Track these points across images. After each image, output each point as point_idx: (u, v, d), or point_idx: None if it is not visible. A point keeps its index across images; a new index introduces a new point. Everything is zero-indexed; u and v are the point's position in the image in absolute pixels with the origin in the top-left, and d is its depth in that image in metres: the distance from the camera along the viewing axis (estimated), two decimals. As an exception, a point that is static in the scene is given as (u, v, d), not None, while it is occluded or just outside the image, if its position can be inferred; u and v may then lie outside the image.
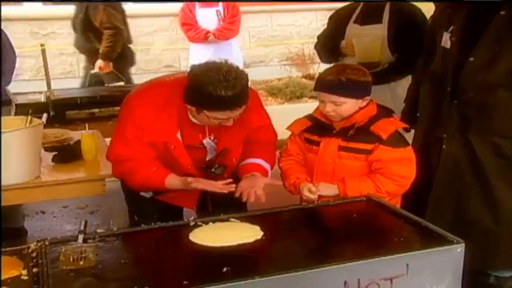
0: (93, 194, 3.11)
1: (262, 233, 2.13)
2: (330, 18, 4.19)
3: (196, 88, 2.43)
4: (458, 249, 1.97)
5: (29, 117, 2.96)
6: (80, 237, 2.09)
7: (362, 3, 3.99)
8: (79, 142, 3.28)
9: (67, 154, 3.21)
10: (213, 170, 2.69)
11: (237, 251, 2.02)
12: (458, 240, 1.99)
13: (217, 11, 6.88)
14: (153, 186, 2.67)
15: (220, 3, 6.86)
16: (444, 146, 2.93)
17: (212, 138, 2.70)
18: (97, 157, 3.22)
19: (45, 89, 6.64)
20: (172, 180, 2.61)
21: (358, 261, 1.85)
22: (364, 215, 2.35)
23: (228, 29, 6.88)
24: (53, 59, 8.63)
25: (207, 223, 2.26)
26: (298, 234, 2.22)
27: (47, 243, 2.06)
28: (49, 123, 4.24)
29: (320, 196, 2.63)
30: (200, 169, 2.72)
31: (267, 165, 2.78)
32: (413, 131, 3.35)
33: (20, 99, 4.60)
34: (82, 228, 2.17)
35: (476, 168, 2.80)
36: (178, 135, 2.60)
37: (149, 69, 8.91)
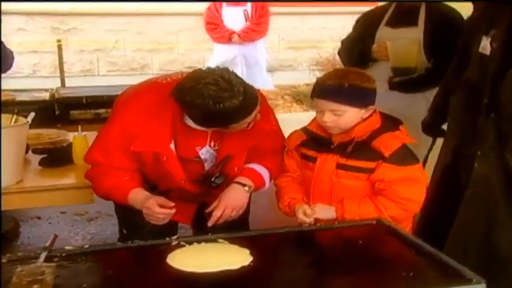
0: (79, 203, 2.91)
1: (251, 259, 1.90)
2: (357, 21, 3.95)
3: (208, 114, 2.23)
4: (479, 289, 1.71)
5: (14, 116, 2.80)
6: (43, 255, 1.89)
7: (394, 5, 3.75)
8: (71, 145, 3.09)
9: (55, 158, 3.03)
10: (213, 179, 2.48)
11: (219, 279, 1.79)
12: (478, 279, 1.73)
13: (244, 10, 6.67)
14: (116, 198, 2.47)
15: (249, 3, 6.65)
16: (476, 165, 2.66)
17: (213, 145, 2.48)
18: (89, 163, 3.02)
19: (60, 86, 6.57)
20: (136, 196, 2.39)
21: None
22: (371, 242, 2.10)
23: (254, 30, 6.67)
24: (73, 56, 8.57)
25: (190, 243, 2.04)
26: (292, 261, 1.98)
27: (4, 260, 1.86)
28: (52, 123, 4.11)
29: (316, 219, 2.38)
30: (196, 182, 2.51)
31: (264, 171, 2.54)
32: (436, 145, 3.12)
33: (24, 97, 4.47)
34: (49, 243, 1.97)
35: (511, 192, 2.53)
36: (172, 146, 2.39)
37: (171, 69, 8.76)
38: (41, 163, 2.99)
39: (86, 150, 2.94)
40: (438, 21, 3.55)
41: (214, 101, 2.17)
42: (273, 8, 7.20)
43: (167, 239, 2.07)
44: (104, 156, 2.42)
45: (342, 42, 3.98)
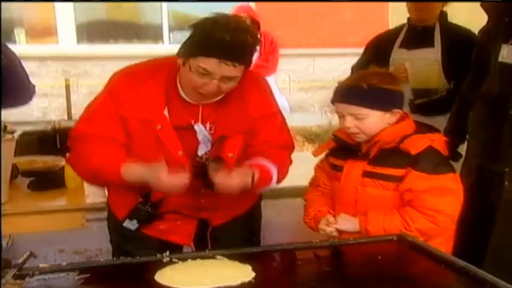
0: (70, 227, 2.62)
1: (253, 275, 1.61)
2: (368, 45, 3.76)
3: (193, 32, 2.01)
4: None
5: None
6: (10, 273, 1.61)
7: (406, 27, 3.59)
8: (64, 168, 2.83)
9: (45, 180, 2.77)
10: (207, 162, 2.16)
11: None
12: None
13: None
14: (106, 173, 2.10)
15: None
16: (506, 183, 2.44)
17: (208, 126, 2.18)
18: (82, 185, 2.74)
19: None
20: (133, 168, 2.04)
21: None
22: (392, 258, 1.80)
23: (262, 66, 6.41)
24: (84, 99, 8.36)
25: (185, 260, 1.75)
26: (300, 280, 1.68)
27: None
28: (54, 155, 3.86)
29: (340, 232, 2.13)
30: (191, 159, 2.18)
31: (271, 166, 2.20)
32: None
33: (26, 128, 4.26)
34: (21, 261, 1.70)
35: None
36: (165, 112, 2.10)
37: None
38: (30, 186, 2.73)
39: (80, 173, 2.69)
40: (455, 42, 3.37)
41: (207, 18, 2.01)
42: (284, 50, 7.03)
43: (158, 255, 1.78)
44: (90, 124, 2.12)
45: (353, 68, 3.76)
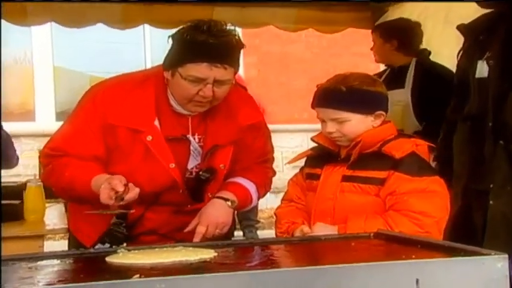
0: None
1: (215, 254, 1.62)
2: None
3: (174, 41, 2.13)
4: (499, 264, 1.41)
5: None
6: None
7: (388, 70, 3.80)
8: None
9: (3, 213, 2.76)
10: (200, 173, 2.22)
11: (167, 268, 1.50)
12: (497, 253, 1.45)
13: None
14: (78, 186, 2.12)
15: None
16: (491, 202, 2.45)
17: (196, 138, 2.25)
18: (42, 218, 2.74)
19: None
20: (101, 177, 2.06)
21: (336, 265, 1.34)
22: (365, 244, 1.80)
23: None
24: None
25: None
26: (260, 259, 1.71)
27: None
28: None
29: None
30: (182, 172, 2.23)
31: (251, 186, 2.32)
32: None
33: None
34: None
35: None
36: (156, 123, 2.16)
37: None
38: (-14, 217, 2.73)
39: (41, 204, 2.72)
40: (427, 82, 3.51)
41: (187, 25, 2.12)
42: (276, 126, 7.16)
43: (114, 247, 1.80)
44: (66, 142, 2.17)
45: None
